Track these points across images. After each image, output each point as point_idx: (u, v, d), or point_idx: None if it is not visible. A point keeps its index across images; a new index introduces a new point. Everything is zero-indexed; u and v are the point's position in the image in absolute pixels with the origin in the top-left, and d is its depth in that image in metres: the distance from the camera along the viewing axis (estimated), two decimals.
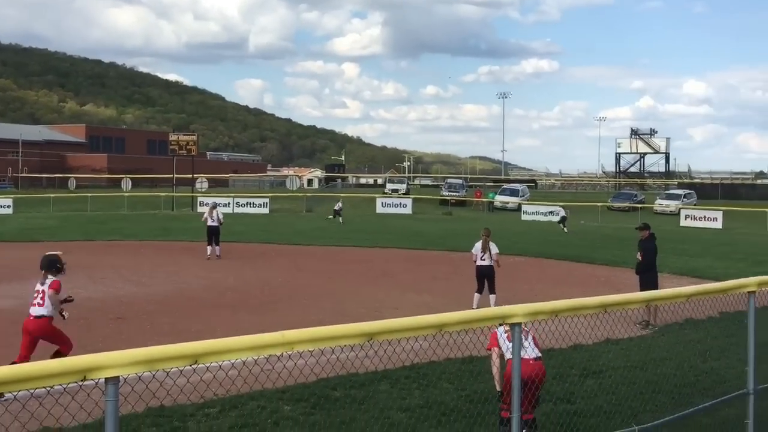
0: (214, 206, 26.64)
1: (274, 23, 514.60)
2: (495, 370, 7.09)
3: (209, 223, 25.65)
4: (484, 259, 15.40)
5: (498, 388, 7.05)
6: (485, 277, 15.39)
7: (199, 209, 55.10)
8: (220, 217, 26.18)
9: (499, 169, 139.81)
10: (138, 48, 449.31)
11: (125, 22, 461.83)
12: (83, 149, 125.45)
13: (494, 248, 15.54)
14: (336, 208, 47.03)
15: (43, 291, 9.78)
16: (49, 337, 9.74)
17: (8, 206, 50.64)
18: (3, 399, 6.21)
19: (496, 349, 7.07)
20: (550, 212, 50.25)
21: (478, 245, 15.57)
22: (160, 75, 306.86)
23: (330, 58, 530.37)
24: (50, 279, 9.88)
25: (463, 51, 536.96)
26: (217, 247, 25.37)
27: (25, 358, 9.39)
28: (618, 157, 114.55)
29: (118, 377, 4.09)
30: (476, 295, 15.36)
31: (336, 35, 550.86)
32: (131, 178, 72.58)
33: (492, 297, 15.20)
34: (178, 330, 12.77)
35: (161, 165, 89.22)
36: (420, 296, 17.11)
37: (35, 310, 9.77)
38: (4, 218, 44.99)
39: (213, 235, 25.45)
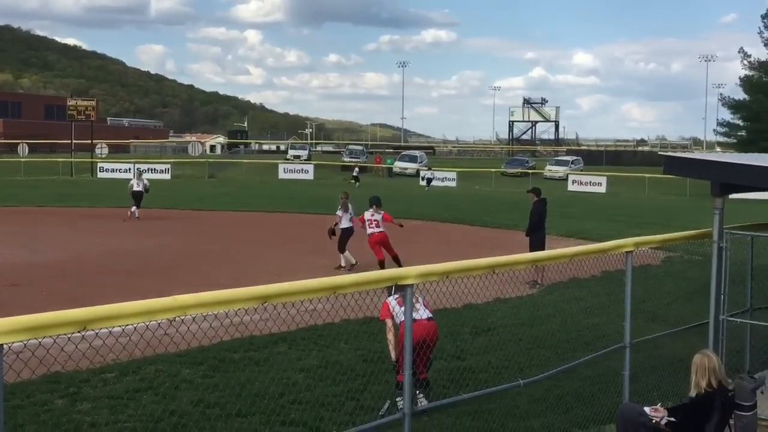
0: (141, 173, 29.00)
1: None
2: (391, 339, 7.28)
3: (135, 188, 27.49)
4: (351, 221, 16.79)
5: (393, 358, 7.24)
6: (348, 238, 16.78)
7: (100, 175, 53.68)
8: (146, 183, 28.10)
9: (398, 136, 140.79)
10: (34, 10, 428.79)
11: None
12: None
13: (352, 211, 16.96)
14: (354, 173, 51.71)
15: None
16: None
17: None
18: None
19: (388, 320, 7.28)
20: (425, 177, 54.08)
21: (340, 208, 16.96)
22: (58, 39, 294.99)
23: (233, 24, 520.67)
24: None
25: (365, 20, 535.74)
26: (137, 210, 26.90)
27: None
28: (511, 125, 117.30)
29: (1, 345, 4.08)
30: (345, 254, 16.66)
31: (239, 2, 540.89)
32: (28, 144, 69.78)
33: (346, 254, 16.65)
34: (75, 296, 12.57)
35: (60, 130, 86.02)
36: (320, 260, 17.26)
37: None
38: None
39: (138, 199, 27.16)
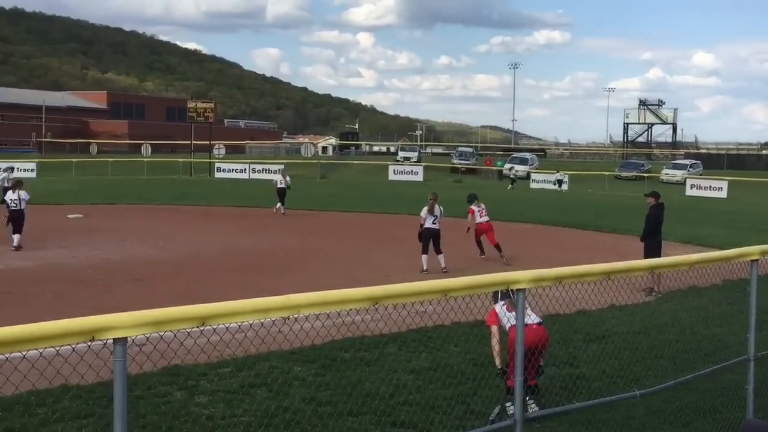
0: (285, 170, 30.74)
1: None
2: (496, 346, 7.14)
3: (279, 185, 29.11)
4: (435, 223, 16.40)
5: (498, 365, 7.10)
6: (432, 238, 16.31)
7: (217, 175, 55.43)
8: (288, 180, 29.51)
9: (509, 139, 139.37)
10: (158, 17, 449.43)
11: None
12: (105, 116, 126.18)
13: (442, 211, 16.68)
14: (512, 176, 52.56)
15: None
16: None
17: (32, 170, 51.12)
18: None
19: (494, 326, 7.16)
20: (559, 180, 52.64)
21: (426, 209, 16.53)
22: (179, 44, 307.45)
23: (346, 27, 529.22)
24: None
25: (476, 21, 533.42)
26: (283, 207, 28.59)
27: None
28: (626, 127, 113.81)
29: (126, 338, 4.25)
30: (423, 256, 16.26)
31: (352, 5, 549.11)
32: (151, 144, 72.91)
33: (440, 256, 16.26)
34: (194, 292, 13.01)
35: (180, 131, 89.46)
36: (430, 261, 17.23)
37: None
38: (27, 182, 45.42)
39: (282, 196, 28.83)
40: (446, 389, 7.51)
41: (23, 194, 18.74)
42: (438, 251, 16.29)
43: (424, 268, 15.97)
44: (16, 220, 18.45)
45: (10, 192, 18.87)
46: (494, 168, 63.57)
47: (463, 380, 7.61)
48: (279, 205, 28.71)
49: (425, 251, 16.25)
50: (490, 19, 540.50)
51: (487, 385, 7.37)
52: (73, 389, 6.94)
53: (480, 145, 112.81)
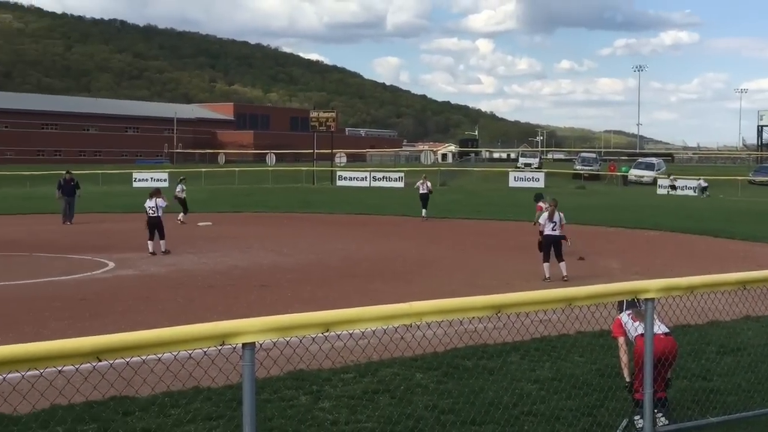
0: (426, 177, 31.40)
1: (410, 1, 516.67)
2: (624, 358, 6.86)
3: (421, 191, 30.34)
4: (555, 230, 15.97)
5: (627, 379, 6.84)
6: (552, 245, 15.92)
7: (339, 183, 56.27)
8: (429, 185, 30.81)
9: (634, 143, 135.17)
10: (282, 29, 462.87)
11: (271, 4, 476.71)
12: (231, 126, 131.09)
13: (562, 218, 16.22)
14: (703, 185, 49.87)
15: None
16: None
17: (164, 180, 53.65)
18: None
19: (621, 338, 6.90)
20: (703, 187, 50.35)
21: (545, 215, 16.25)
22: (302, 55, 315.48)
23: (465, 34, 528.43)
24: None
25: (599, 24, 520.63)
26: (424, 210, 29.96)
27: None
28: (760, 129, 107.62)
29: (254, 343, 4.38)
30: (545, 264, 15.89)
31: (471, 12, 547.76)
32: (275, 153, 74.98)
33: (562, 264, 15.80)
34: (317, 298, 13.27)
35: (303, 141, 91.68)
36: (552, 269, 16.94)
37: None
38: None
39: (424, 201, 30.10)
40: (571, 400, 7.33)
41: (160, 202, 19.64)
42: (560, 259, 15.95)
43: (547, 276, 15.66)
44: (155, 226, 19.37)
45: (148, 200, 19.82)
46: (619, 174, 61.90)
47: (588, 391, 7.42)
48: (423, 210, 29.98)
49: (547, 259, 15.94)
50: (614, 21, 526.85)
51: (614, 397, 7.16)
52: (204, 391, 7.20)
53: (603, 150, 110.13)
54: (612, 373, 7.81)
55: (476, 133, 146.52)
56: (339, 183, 56.69)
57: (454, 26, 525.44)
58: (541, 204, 19.55)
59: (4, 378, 4.90)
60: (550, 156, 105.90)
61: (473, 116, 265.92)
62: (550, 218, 16.04)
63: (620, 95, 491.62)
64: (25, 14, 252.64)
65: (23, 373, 4.11)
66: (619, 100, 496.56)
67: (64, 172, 31.27)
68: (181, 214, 27.81)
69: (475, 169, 66.98)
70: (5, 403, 6.35)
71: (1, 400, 6.29)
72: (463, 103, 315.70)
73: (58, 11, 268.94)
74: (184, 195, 28.44)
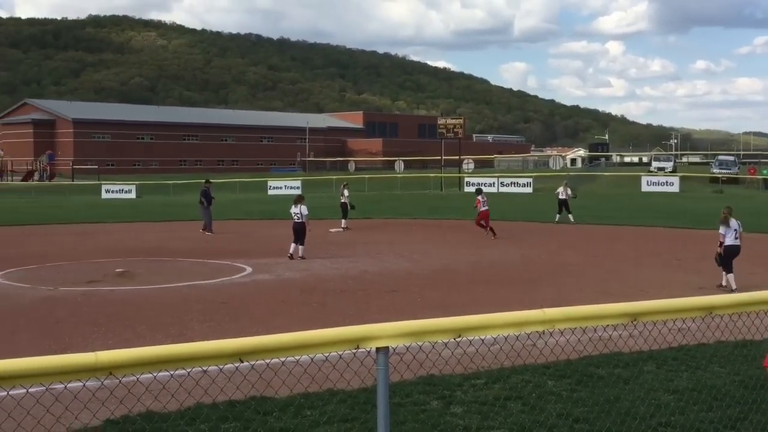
0: (567, 183, 32.00)
1: (538, 6, 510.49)
2: None
3: (561, 196, 30.87)
4: (737, 239, 14.93)
5: None
6: (734, 256, 14.86)
7: (467, 189, 56.19)
8: (570, 192, 31.35)
9: None
10: (409, 38, 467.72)
11: (398, 13, 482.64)
12: (361, 134, 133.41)
13: (738, 225, 15.10)
14: None
15: None
16: None
17: (297, 188, 55.21)
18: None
19: None
20: None
21: (722, 226, 14.96)
22: (429, 63, 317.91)
23: (594, 37, 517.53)
24: None
25: (737, 22, 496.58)
26: (570, 215, 30.35)
27: None
28: None
29: (387, 347, 4.48)
30: (729, 275, 14.83)
31: (601, 14, 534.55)
32: (404, 161, 75.72)
33: (730, 276, 14.82)
34: (447, 304, 13.33)
35: (431, 148, 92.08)
36: (687, 276, 16.34)
37: None
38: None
39: (565, 206, 30.67)
40: (711, 412, 7.07)
41: (303, 209, 20.20)
42: (729, 270, 14.90)
43: (734, 287, 14.41)
44: (299, 231, 19.97)
45: (293, 206, 20.43)
46: (759, 177, 58.86)
47: (731, 403, 7.13)
48: (569, 215, 30.27)
49: (729, 269, 14.85)
50: (754, 18, 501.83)
51: (758, 410, 6.86)
52: (339, 394, 7.40)
53: (743, 152, 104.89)
54: (756, 385, 7.47)
55: (606, 137, 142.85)
56: (467, 189, 56.62)
57: (583, 29, 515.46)
58: (480, 198, 24.13)
59: (154, 377, 5.23)
60: (684, 159, 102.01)
61: (603, 120, 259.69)
62: (726, 225, 14.89)
63: (760, 95, 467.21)
64: (168, 31, 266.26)
65: (171, 372, 4.33)
66: (760, 101, 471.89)
67: (203, 181, 31.84)
68: (343, 221, 29.08)
69: (605, 173, 65.25)
70: (156, 401, 6.76)
71: (151, 398, 6.70)
72: (592, 107, 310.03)
73: (198, 28, 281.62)
74: (345, 200, 29.55)
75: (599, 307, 5.21)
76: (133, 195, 54.30)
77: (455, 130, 60.91)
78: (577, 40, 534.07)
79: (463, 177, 59.65)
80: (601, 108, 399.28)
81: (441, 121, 63.26)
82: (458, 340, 4.81)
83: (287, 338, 4.39)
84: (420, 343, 4.70)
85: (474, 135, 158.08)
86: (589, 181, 61.35)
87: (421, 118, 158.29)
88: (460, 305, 12.95)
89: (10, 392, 4.11)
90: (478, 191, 26.48)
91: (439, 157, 65.89)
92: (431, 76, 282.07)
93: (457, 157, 63.20)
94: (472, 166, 73.30)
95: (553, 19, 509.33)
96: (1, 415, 6.06)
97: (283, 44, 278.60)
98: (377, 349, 4.43)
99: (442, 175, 61.33)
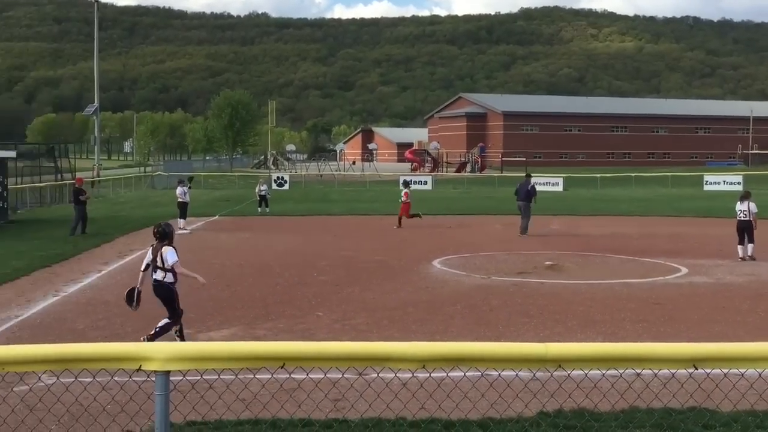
0: None
1: None
2: None
3: None
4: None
5: None
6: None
7: None
8: None
9: None
10: None
11: None
12: None
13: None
14: None
15: None
16: None
17: (738, 183, 50.98)
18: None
19: None
20: None
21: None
22: None
23: None
24: None
25: None
26: None
27: None
28: None
29: None
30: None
31: None
32: None
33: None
34: None
35: None
36: None
37: None
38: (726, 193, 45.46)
39: None
40: None
41: (752, 206, 18.27)
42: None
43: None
44: (744, 230, 18.21)
45: (738, 203, 18.44)
46: None
47: None
48: None
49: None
50: None
51: None
52: None
53: None
54: None
55: None
56: None
57: None
58: (407, 191, 27.49)
59: (585, 374, 5.18)
60: None
61: None
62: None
63: None
64: (599, 20, 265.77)
65: (603, 372, 4.29)
66: None
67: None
68: None
69: None
70: (586, 399, 6.73)
71: (582, 395, 6.69)
72: None
73: (630, 14, 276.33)
74: None
75: None
76: (560, 188, 54.86)
77: None
78: None
79: None
80: None
81: None
82: None
83: (731, 348, 4.13)
84: None
85: None
86: None
87: None
88: None
89: (466, 373, 4.43)
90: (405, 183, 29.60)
91: None
92: None
93: None
94: None
95: None
96: (456, 394, 6.50)
97: (724, 26, 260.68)
98: None
99: None
